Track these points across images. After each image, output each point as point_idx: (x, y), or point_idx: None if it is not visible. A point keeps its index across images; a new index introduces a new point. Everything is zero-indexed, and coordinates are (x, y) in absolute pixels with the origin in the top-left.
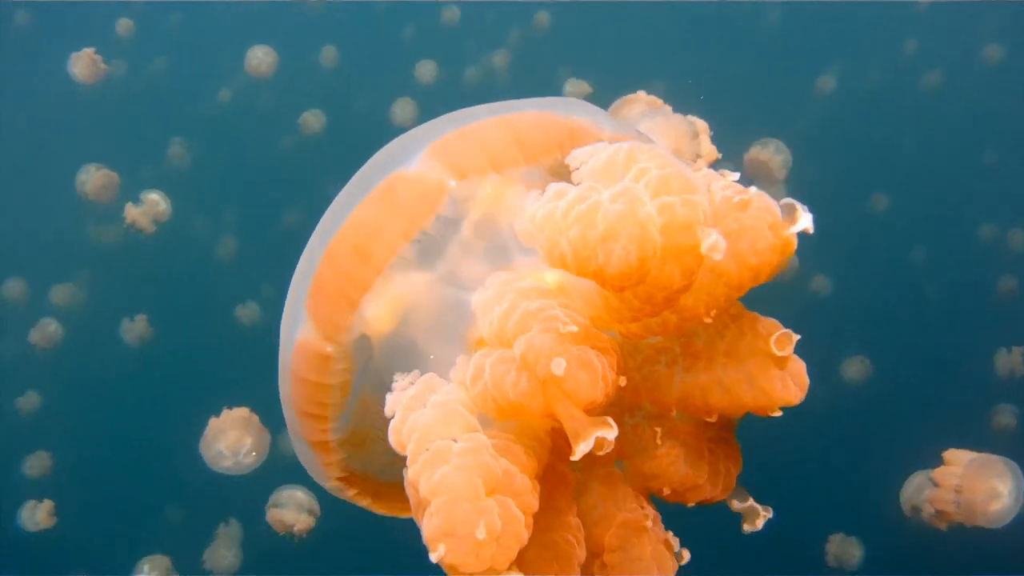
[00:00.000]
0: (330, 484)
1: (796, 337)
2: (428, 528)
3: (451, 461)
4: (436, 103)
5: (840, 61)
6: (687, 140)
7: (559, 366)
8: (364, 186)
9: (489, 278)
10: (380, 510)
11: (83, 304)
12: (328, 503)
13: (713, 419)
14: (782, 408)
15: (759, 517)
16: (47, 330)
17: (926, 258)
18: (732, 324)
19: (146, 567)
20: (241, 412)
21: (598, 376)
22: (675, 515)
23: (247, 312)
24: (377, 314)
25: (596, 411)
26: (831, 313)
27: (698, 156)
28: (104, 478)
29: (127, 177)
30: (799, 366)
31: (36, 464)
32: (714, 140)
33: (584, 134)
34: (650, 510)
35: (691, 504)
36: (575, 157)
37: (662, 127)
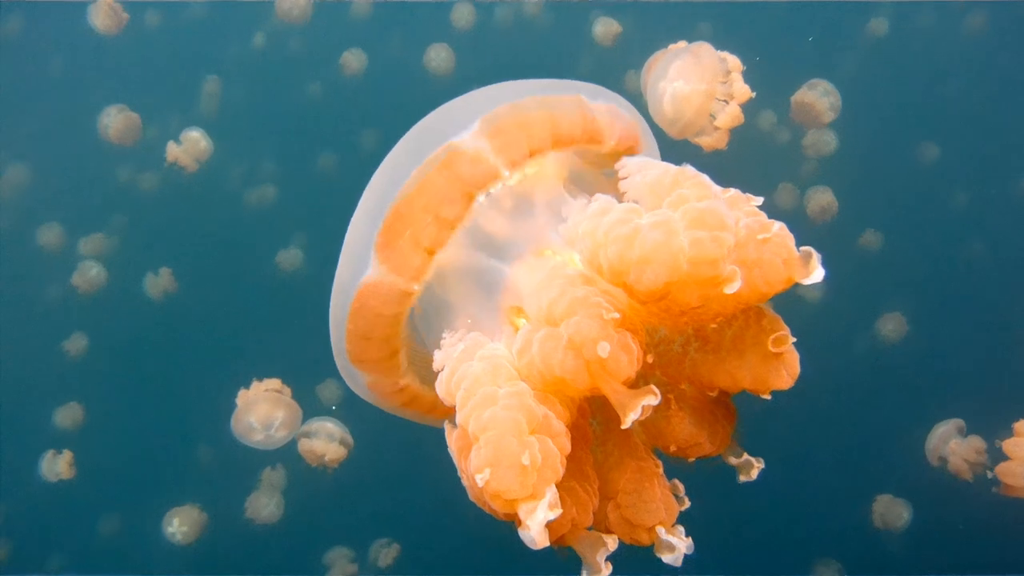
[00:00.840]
0: (393, 394)
1: (792, 339)
2: (476, 459)
3: (499, 403)
4: (471, 50)
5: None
6: (718, 80)
7: (604, 349)
8: (422, 150)
9: (530, 258)
10: (419, 411)
11: (119, 251)
12: (359, 435)
13: (715, 394)
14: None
15: (753, 468)
16: (88, 274)
17: (970, 209)
18: (740, 316)
19: (175, 520)
20: (272, 384)
21: (634, 357)
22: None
23: (288, 257)
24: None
25: (631, 384)
26: (879, 267)
27: (730, 96)
28: (140, 427)
29: (160, 123)
30: (793, 357)
31: (67, 414)
32: (751, 79)
33: (600, 135)
34: (658, 460)
35: (691, 459)
36: (625, 165)
37: (691, 68)
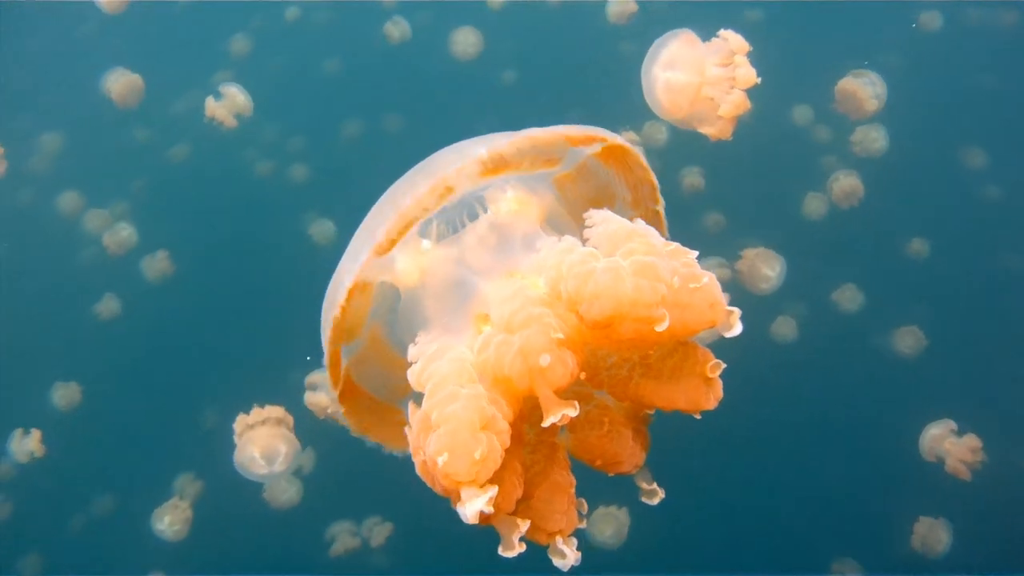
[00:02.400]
0: (336, 390)
1: (723, 365)
2: (436, 444)
3: (459, 401)
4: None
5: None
6: (716, 64)
7: (545, 360)
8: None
9: (501, 279)
10: (357, 423)
11: (143, 219)
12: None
13: (651, 411)
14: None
15: (656, 495)
16: (120, 235)
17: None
18: (680, 349)
19: (167, 519)
20: (274, 412)
21: (568, 371)
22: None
23: (320, 230)
24: (406, 268)
25: (561, 393)
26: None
27: (733, 82)
28: (173, 391)
29: (189, 95)
30: (719, 384)
31: (64, 393)
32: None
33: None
34: (573, 478)
35: (611, 474)
36: (592, 217)
37: (683, 53)
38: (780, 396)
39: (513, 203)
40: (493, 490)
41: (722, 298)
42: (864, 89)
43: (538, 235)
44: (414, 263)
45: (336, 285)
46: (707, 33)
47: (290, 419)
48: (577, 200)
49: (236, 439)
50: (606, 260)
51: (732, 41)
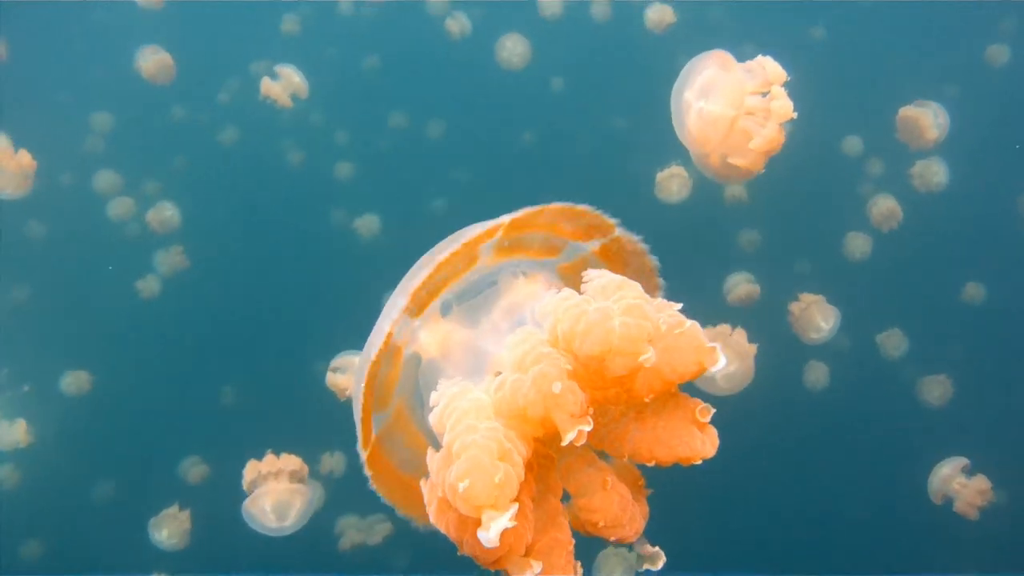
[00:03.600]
0: (365, 453)
1: (713, 410)
2: (457, 471)
3: (478, 432)
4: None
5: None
6: (751, 94)
7: (558, 387)
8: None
9: (511, 332)
10: (384, 491)
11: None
12: None
13: (651, 464)
14: (701, 460)
15: (659, 560)
16: (163, 215)
17: None
18: (671, 400)
19: (165, 532)
20: (291, 463)
21: (579, 398)
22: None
23: (365, 224)
24: (428, 341)
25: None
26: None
27: (767, 113)
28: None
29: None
30: (713, 430)
31: (72, 380)
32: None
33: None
34: (572, 537)
35: (611, 539)
36: (589, 273)
37: (720, 82)
38: (801, 443)
39: (524, 285)
40: (514, 507)
41: (705, 340)
42: (925, 118)
43: (540, 295)
44: (434, 337)
45: (375, 333)
46: (762, 49)
47: (305, 469)
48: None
49: (246, 486)
50: (597, 303)
51: (770, 69)
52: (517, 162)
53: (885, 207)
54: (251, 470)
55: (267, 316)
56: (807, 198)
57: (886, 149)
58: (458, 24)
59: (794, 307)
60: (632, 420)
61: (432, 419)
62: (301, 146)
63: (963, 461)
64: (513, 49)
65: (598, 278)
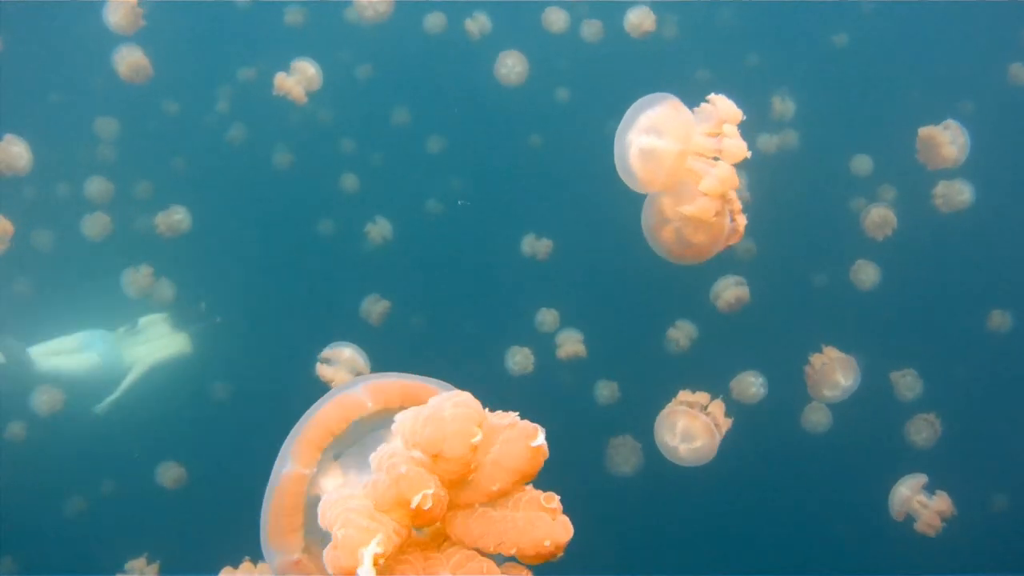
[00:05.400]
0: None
1: (557, 497)
2: (335, 537)
3: (352, 526)
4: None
5: None
6: (701, 133)
7: (403, 469)
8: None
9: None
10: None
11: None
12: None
13: (513, 553)
14: (558, 546)
15: None
16: (173, 219)
17: None
18: (524, 495)
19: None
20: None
21: (423, 476)
22: None
23: (376, 229)
24: (326, 485)
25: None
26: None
27: (718, 153)
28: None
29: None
30: (566, 518)
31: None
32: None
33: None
34: None
35: None
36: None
37: (666, 118)
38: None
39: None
40: (380, 536)
41: (537, 435)
42: (943, 135)
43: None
44: (332, 480)
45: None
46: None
47: None
48: None
49: None
50: (433, 405)
51: (722, 107)
52: (521, 170)
53: (880, 214)
54: None
55: (267, 316)
56: (807, 218)
57: (906, 169)
58: (478, 26)
59: (815, 359)
60: (492, 511)
61: (320, 521)
62: (301, 148)
63: (923, 478)
64: (513, 67)
65: (444, 399)
